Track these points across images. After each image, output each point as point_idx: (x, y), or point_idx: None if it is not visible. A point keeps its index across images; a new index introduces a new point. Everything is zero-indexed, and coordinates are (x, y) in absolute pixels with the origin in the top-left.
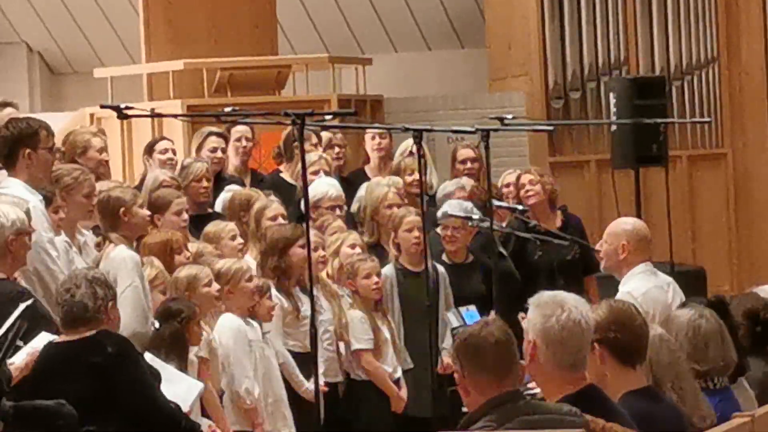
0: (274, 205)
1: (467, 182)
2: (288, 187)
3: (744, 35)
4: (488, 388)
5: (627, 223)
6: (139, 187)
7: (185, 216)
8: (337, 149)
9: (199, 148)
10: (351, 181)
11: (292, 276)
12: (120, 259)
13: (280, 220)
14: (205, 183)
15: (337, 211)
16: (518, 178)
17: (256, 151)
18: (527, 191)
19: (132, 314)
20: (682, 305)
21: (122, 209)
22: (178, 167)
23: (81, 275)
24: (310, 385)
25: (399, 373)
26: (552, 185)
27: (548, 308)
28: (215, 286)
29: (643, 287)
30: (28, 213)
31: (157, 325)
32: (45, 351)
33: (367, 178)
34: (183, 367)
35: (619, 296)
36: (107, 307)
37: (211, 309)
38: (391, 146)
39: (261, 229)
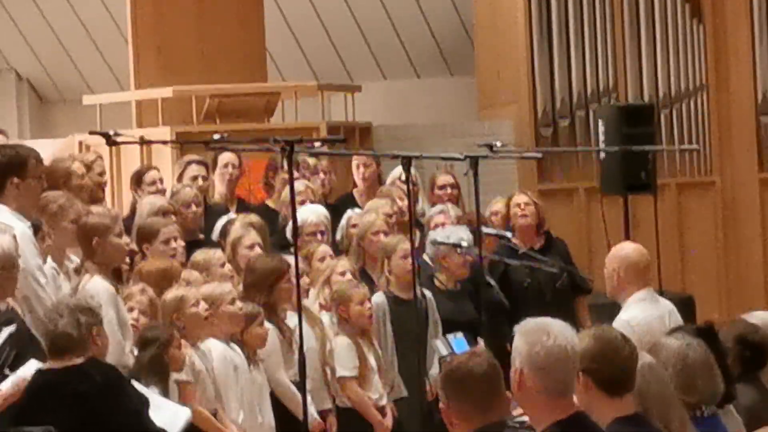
0: (251, 234)
1: (451, 208)
2: (273, 215)
3: (732, 63)
4: (472, 419)
5: (623, 249)
6: (129, 218)
7: (173, 245)
8: (322, 176)
9: (180, 177)
10: (338, 207)
11: (279, 306)
12: (94, 292)
13: (257, 249)
14: (194, 208)
15: (319, 236)
16: (509, 198)
17: (245, 178)
18: (522, 212)
19: None
20: (671, 332)
21: (95, 238)
22: (168, 194)
23: (63, 304)
24: (314, 412)
25: (384, 401)
26: (542, 207)
27: (533, 335)
28: (203, 305)
29: (642, 315)
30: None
31: (136, 352)
32: (34, 379)
33: (355, 203)
34: (164, 392)
35: (616, 323)
36: (92, 333)
37: (199, 330)
38: (377, 174)
39: (237, 256)
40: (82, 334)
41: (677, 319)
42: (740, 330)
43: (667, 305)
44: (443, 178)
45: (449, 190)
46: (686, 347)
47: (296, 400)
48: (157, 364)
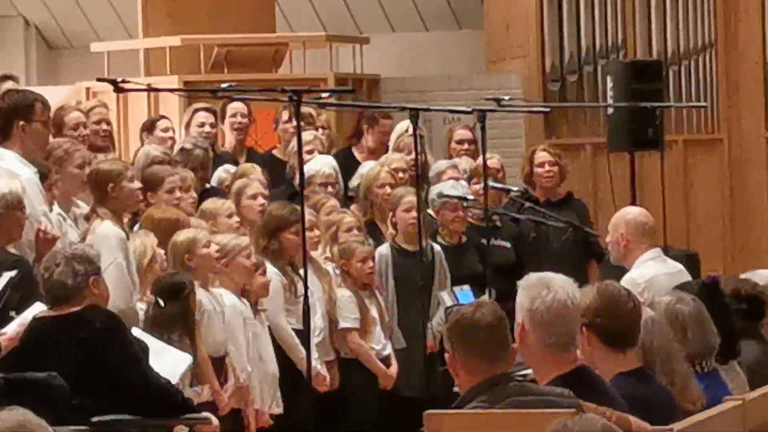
0: (254, 184)
1: (461, 162)
2: (281, 165)
3: (742, 20)
4: (478, 370)
5: (627, 212)
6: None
7: (177, 194)
8: (321, 130)
9: (187, 125)
10: (337, 161)
11: (285, 256)
12: (103, 236)
13: (260, 200)
14: (201, 172)
15: (329, 189)
16: (532, 153)
17: (252, 128)
18: (548, 171)
19: (115, 292)
20: (672, 289)
21: (110, 184)
22: (177, 148)
23: (60, 254)
24: (312, 361)
25: (388, 351)
26: (565, 165)
27: (534, 289)
28: (214, 246)
29: (650, 273)
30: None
31: (161, 303)
32: (31, 325)
33: (355, 159)
34: (191, 343)
35: (624, 281)
36: (89, 282)
37: (211, 271)
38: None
39: (240, 207)
40: (77, 283)
41: (686, 278)
42: (733, 285)
43: (676, 265)
44: (461, 133)
45: (467, 146)
46: (676, 301)
47: (293, 345)
48: (187, 316)
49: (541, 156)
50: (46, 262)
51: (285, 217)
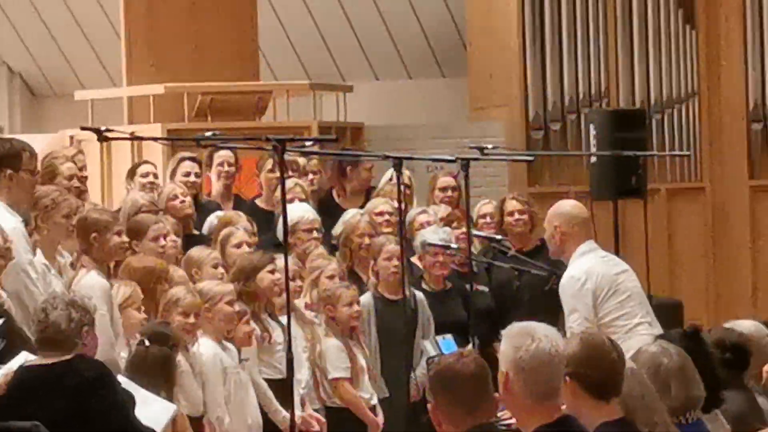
0: (239, 233)
1: (439, 210)
2: (264, 214)
3: (724, 70)
4: (461, 420)
5: (560, 206)
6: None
7: (162, 242)
8: (311, 176)
9: (173, 174)
10: (320, 206)
11: (258, 302)
12: (88, 287)
13: (245, 248)
14: (179, 201)
15: (314, 234)
16: (502, 202)
17: (236, 176)
18: (517, 220)
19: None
20: (656, 339)
21: (94, 234)
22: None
23: (59, 297)
24: (287, 413)
25: (375, 400)
26: (536, 213)
27: (518, 339)
28: (191, 319)
29: (585, 265)
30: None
31: (147, 343)
32: (19, 374)
33: (335, 204)
34: (170, 392)
35: (563, 282)
36: (82, 331)
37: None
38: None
39: (225, 255)
40: (72, 329)
41: (619, 261)
42: (718, 335)
43: (607, 254)
44: (444, 180)
45: (450, 193)
46: (661, 353)
47: (270, 401)
48: (168, 363)
49: (511, 205)
50: (44, 303)
51: (256, 259)
